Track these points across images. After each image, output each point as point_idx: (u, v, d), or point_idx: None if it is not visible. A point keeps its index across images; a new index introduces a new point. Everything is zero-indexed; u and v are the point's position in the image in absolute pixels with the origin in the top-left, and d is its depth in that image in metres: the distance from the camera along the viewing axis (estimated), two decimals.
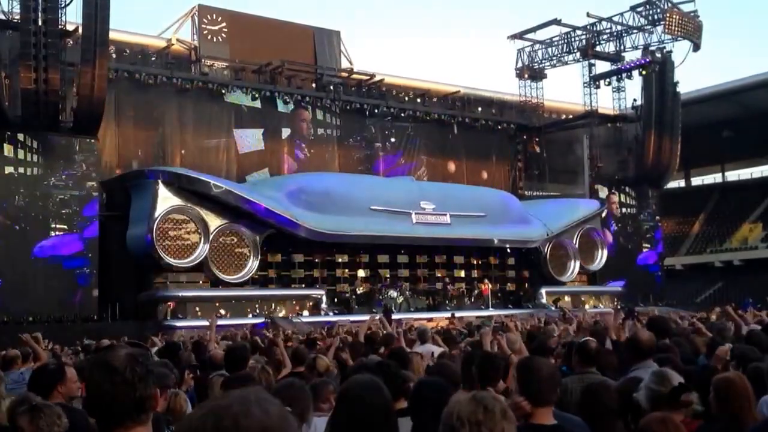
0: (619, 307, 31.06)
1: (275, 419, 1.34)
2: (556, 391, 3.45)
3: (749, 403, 3.55)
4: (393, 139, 36.79)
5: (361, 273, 29.12)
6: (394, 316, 24.10)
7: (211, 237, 24.96)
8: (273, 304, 25.75)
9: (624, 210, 39.09)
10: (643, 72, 37.53)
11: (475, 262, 32.31)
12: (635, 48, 38.45)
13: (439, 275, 31.13)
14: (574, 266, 33.43)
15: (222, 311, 23.85)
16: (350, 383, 2.98)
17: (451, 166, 38.34)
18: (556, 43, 40.07)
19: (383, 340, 7.95)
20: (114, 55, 28.16)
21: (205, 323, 21.74)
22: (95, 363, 2.23)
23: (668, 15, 35.97)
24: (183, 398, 4.65)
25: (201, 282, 25.26)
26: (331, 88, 34.51)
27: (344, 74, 35.99)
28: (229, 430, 1.31)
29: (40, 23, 22.66)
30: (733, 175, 50.49)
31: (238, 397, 1.37)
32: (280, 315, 24.60)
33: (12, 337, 11.89)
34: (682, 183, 51.05)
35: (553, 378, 3.39)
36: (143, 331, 18.77)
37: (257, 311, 24.91)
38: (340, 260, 28.88)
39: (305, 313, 25.61)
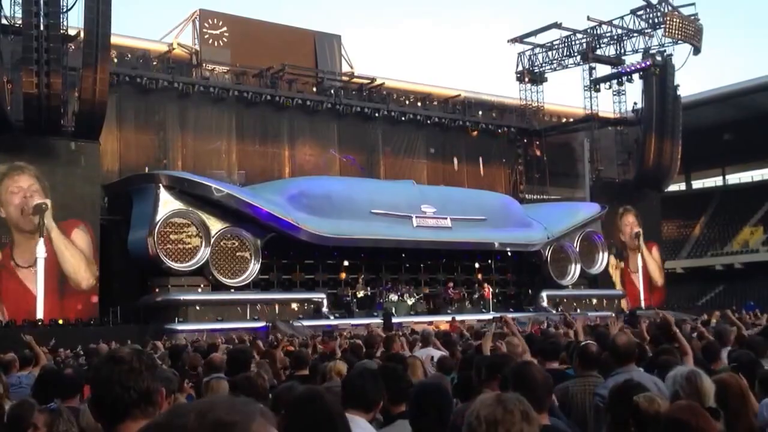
0: (620, 310, 31.28)
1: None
2: (551, 396, 3.46)
3: (745, 404, 3.55)
4: (394, 143, 36.83)
5: (361, 276, 29.11)
6: (395, 320, 24.18)
7: (212, 241, 24.97)
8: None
9: None
10: (644, 75, 37.56)
11: (476, 266, 32.28)
12: (635, 51, 38.50)
13: (440, 279, 31.14)
14: (575, 270, 33.40)
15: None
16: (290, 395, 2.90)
17: (452, 170, 38.35)
18: (556, 46, 40.10)
19: (382, 342, 7.97)
20: (115, 60, 28.23)
21: (207, 327, 21.91)
22: (102, 360, 2.25)
23: (668, 18, 36.00)
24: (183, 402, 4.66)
25: (202, 286, 25.28)
26: (332, 92, 34.56)
27: (345, 78, 36.08)
28: None
29: (42, 28, 22.65)
30: (733, 178, 50.41)
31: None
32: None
33: (12, 340, 11.90)
34: (682, 186, 50.98)
35: (547, 384, 3.43)
36: (144, 335, 18.82)
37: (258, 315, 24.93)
38: (341, 264, 28.87)
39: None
